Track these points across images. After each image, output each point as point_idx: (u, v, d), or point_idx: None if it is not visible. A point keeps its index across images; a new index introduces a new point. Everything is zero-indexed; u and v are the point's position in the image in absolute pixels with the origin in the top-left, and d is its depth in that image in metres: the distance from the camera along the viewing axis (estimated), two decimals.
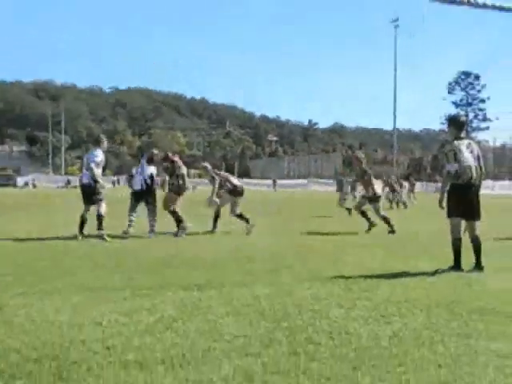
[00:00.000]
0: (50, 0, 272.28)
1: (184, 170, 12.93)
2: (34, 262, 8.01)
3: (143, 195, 12.64)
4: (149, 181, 12.65)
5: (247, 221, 12.99)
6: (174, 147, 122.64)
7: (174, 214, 12.59)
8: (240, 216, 13.02)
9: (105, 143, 11.95)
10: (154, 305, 5.30)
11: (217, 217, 13.51)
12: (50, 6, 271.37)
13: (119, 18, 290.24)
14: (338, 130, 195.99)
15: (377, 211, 13.37)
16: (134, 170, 12.97)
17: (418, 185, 74.59)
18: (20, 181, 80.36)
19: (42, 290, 5.93)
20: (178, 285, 6.34)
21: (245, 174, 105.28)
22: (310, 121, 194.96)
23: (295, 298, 5.67)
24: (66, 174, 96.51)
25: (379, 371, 3.56)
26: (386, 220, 13.24)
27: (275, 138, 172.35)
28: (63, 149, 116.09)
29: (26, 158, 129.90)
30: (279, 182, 76.83)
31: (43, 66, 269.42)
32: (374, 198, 13.37)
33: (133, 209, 12.61)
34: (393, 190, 27.55)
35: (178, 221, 12.46)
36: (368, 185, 13.54)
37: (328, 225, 15.27)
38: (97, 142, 11.98)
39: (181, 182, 12.64)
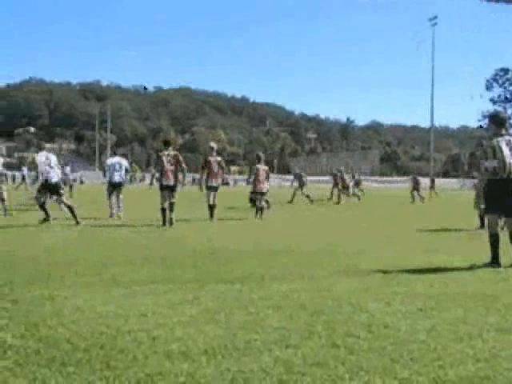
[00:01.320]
0: (98, 3, 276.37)
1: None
2: (83, 254, 8.24)
3: (120, 186, 15.75)
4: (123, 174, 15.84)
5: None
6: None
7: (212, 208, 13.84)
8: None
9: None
10: (197, 297, 5.40)
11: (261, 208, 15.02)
12: (98, 8, 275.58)
13: (163, 18, 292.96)
14: (375, 128, 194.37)
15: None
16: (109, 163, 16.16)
17: (454, 181, 73.61)
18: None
19: (89, 282, 6.11)
20: (219, 277, 6.47)
21: (284, 170, 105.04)
22: (348, 118, 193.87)
23: (333, 292, 5.72)
24: None
25: (417, 365, 3.58)
26: None
27: (314, 136, 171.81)
28: (109, 147, 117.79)
29: (74, 156, 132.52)
30: (316, 178, 76.08)
31: (90, 67, 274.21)
32: None
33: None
34: (343, 185, 29.29)
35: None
36: None
37: (359, 219, 15.18)
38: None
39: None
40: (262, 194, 15.94)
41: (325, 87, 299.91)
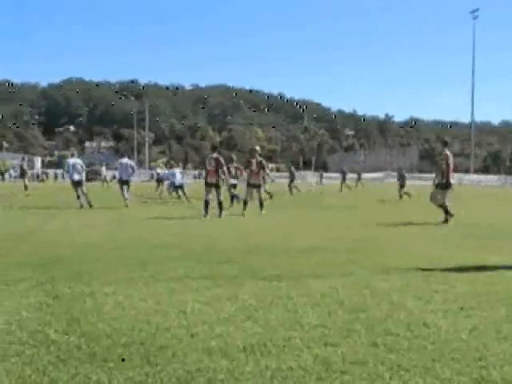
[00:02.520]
0: (135, 2, 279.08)
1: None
2: (121, 251, 8.35)
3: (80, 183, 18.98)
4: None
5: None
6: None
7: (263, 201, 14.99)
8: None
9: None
10: (235, 294, 5.42)
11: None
12: (135, 8, 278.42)
13: (199, 16, 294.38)
14: (414, 124, 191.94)
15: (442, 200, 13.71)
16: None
17: (494, 178, 72.05)
18: (107, 175, 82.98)
19: (129, 279, 6.18)
20: (258, 274, 6.47)
21: (322, 167, 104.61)
22: (386, 114, 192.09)
23: (372, 290, 5.67)
24: (149, 168, 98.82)
25: (459, 364, 3.53)
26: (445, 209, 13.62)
27: (351, 132, 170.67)
28: (147, 145, 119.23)
29: (113, 154, 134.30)
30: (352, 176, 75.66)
31: (128, 66, 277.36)
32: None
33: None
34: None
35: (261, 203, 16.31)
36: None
37: (396, 216, 15.00)
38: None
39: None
40: (257, 186, 16.61)
41: (362, 83, 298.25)
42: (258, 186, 16.62)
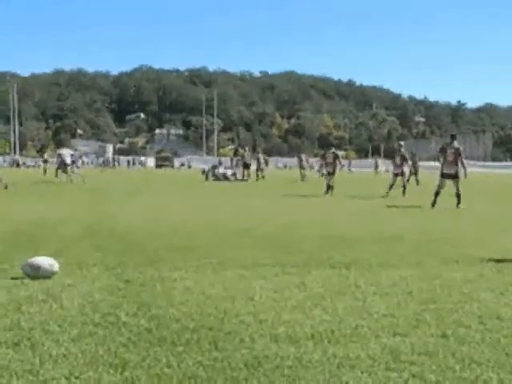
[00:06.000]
0: None
1: None
2: (191, 237, 8.48)
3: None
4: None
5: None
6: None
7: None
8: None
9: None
10: (303, 282, 5.42)
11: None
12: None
13: (269, 4, 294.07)
14: (488, 110, 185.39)
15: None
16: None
17: None
18: (177, 162, 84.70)
19: (198, 265, 6.26)
20: (326, 263, 6.44)
21: (392, 155, 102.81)
22: (458, 101, 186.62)
23: (443, 280, 5.55)
24: (218, 155, 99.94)
25: None
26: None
27: (422, 119, 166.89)
28: (216, 132, 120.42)
29: (182, 141, 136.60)
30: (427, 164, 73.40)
31: (197, 54, 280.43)
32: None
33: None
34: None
35: None
36: None
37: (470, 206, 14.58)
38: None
39: None
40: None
41: (434, 69, 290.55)
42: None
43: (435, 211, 13.71)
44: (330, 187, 19.73)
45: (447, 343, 3.70)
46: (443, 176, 14.73)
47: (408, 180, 21.51)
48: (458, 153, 14.67)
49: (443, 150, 15.07)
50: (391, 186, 19.22)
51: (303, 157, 35.48)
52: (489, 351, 3.56)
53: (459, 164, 14.63)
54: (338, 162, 20.82)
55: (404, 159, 19.93)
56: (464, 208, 13.93)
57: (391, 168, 22.57)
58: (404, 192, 19.07)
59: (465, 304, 4.65)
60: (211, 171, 33.16)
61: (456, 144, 14.98)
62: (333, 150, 21.19)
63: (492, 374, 3.20)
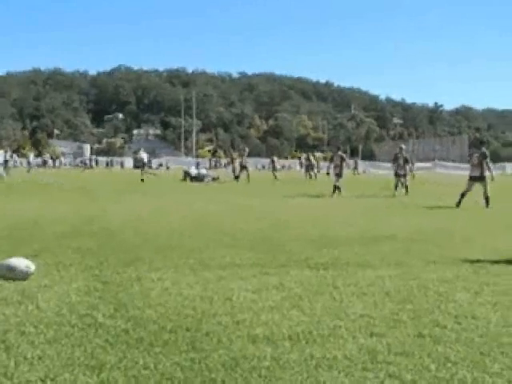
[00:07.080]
0: None
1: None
2: (172, 237, 8.45)
3: None
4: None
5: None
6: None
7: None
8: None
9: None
10: (282, 283, 5.43)
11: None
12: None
13: (247, 5, 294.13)
14: (464, 112, 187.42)
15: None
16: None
17: None
18: (154, 163, 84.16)
19: (176, 266, 6.25)
20: (304, 263, 6.46)
21: (369, 157, 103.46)
22: (435, 103, 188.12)
23: (420, 280, 5.61)
24: (196, 156, 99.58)
25: (509, 359, 3.46)
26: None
27: (400, 121, 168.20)
28: (194, 132, 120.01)
29: (160, 142, 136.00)
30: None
31: (176, 54, 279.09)
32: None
33: None
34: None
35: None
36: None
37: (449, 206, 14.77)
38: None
39: None
40: None
41: (411, 71, 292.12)
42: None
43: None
44: (336, 188, 20.12)
45: (423, 343, 3.74)
46: (471, 179, 15.50)
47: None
48: (483, 157, 15.40)
49: (471, 155, 16.24)
50: (396, 187, 20.57)
51: (275, 159, 40.35)
52: (464, 350, 3.60)
53: (484, 166, 15.31)
54: (344, 164, 21.42)
55: (406, 161, 21.32)
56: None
57: (388, 170, 23.91)
58: (407, 191, 20.28)
59: (441, 304, 4.70)
60: (188, 173, 33.18)
61: (483, 149, 16.00)
62: (340, 152, 21.63)
63: (467, 373, 3.23)
